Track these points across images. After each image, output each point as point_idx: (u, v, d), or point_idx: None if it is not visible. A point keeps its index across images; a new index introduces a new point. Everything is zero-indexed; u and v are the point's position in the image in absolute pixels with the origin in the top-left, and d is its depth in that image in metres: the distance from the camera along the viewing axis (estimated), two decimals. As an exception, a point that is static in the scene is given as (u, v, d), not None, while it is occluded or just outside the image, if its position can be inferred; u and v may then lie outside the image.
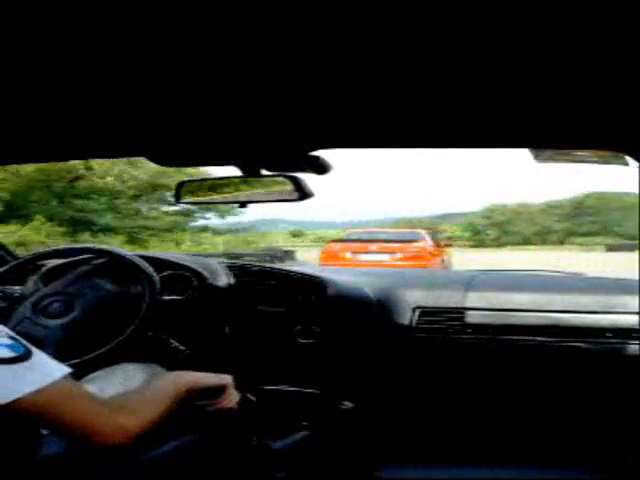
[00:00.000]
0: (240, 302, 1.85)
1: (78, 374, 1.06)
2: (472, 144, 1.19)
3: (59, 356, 1.49)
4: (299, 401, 1.78)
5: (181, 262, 1.88)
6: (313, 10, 0.67)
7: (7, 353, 0.90)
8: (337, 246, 10.39)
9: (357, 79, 0.88)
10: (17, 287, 1.72)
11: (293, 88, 0.93)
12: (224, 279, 1.85)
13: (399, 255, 9.40)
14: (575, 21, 0.68)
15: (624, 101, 0.92)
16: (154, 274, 1.66)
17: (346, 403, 1.78)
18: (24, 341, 0.94)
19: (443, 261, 10.71)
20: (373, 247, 9.75)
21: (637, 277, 1.61)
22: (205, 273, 1.84)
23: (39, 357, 0.94)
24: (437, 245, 10.93)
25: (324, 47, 0.77)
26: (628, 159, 1.08)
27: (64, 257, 1.79)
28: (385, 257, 9.28)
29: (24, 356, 0.91)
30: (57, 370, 0.95)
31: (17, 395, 0.87)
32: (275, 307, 1.83)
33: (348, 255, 9.75)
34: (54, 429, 0.97)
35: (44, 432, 1.02)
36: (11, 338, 0.93)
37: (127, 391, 1.13)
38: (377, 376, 1.83)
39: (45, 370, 0.93)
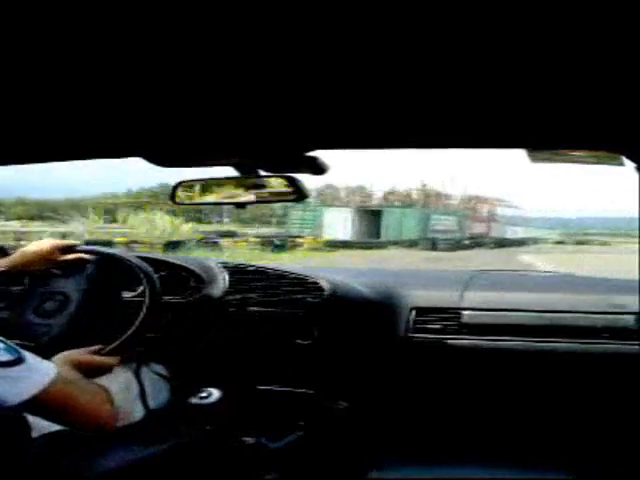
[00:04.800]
0: (237, 303, 1.84)
1: None
2: (469, 144, 1.19)
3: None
4: (295, 401, 1.78)
5: (178, 263, 1.88)
6: (311, 10, 0.67)
7: (5, 356, 0.94)
8: None
9: (355, 80, 0.88)
10: (15, 287, 1.72)
11: (291, 88, 0.92)
12: (221, 280, 1.84)
13: None
14: (572, 21, 0.68)
15: (621, 101, 0.92)
16: (154, 274, 1.66)
17: (342, 403, 1.78)
18: (11, 343, 1.00)
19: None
20: None
21: (637, 277, 1.61)
22: (202, 274, 1.84)
23: (31, 358, 1.00)
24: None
25: (322, 47, 0.77)
26: (624, 160, 1.08)
27: None
28: None
29: (20, 359, 0.96)
30: (51, 368, 1.02)
31: (27, 396, 0.94)
32: (272, 308, 1.83)
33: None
34: (61, 419, 1.06)
35: (34, 435, 1.04)
36: (1, 342, 0.97)
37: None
38: (374, 376, 1.83)
39: (42, 370, 0.99)
